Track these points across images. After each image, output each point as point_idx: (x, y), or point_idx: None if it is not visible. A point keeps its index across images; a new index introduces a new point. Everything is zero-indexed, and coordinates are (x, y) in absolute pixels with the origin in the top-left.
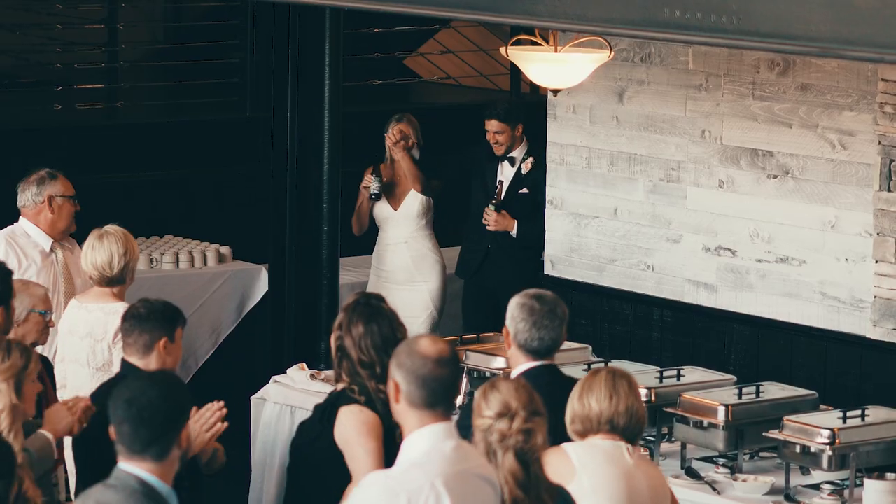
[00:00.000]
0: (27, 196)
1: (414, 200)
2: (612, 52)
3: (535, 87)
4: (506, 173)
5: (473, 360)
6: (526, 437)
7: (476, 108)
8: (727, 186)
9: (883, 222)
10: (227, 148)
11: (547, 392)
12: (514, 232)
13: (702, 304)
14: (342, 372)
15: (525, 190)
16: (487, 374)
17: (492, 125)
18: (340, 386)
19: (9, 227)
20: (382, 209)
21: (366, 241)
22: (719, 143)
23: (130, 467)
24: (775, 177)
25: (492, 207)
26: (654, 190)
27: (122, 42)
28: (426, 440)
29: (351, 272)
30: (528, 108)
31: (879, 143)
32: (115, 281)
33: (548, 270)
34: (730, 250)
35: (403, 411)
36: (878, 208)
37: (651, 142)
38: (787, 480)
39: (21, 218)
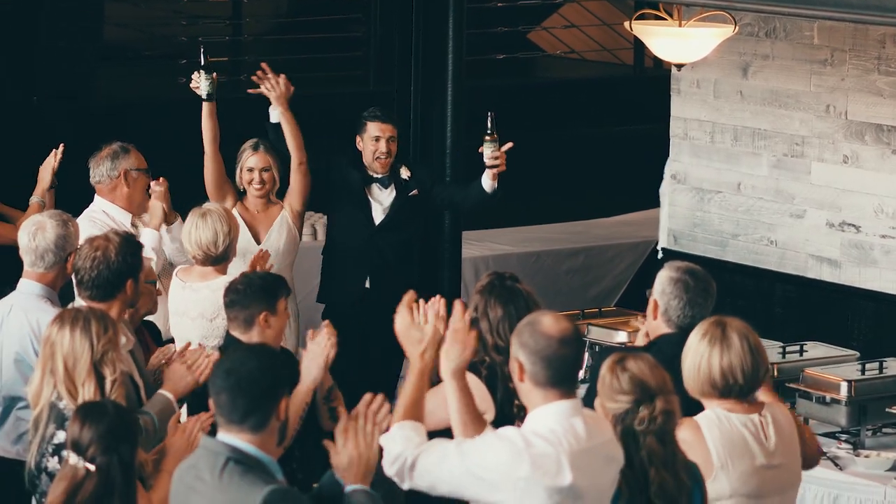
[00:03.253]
0: (102, 171)
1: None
2: (737, 27)
3: (658, 62)
4: (383, 197)
5: (595, 334)
6: (666, 419)
7: (600, 83)
8: (851, 162)
9: None
10: (350, 123)
11: (675, 360)
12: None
13: (825, 279)
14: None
15: (415, 192)
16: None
17: (385, 129)
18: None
19: (87, 209)
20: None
21: (489, 215)
22: (844, 119)
23: (229, 438)
24: None
25: (492, 145)
26: (778, 165)
27: (247, 15)
28: (552, 417)
29: (473, 245)
30: (652, 83)
31: None
32: (220, 259)
33: (670, 245)
34: (854, 226)
35: (528, 390)
36: None
37: (775, 117)
38: None
39: (96, 196)
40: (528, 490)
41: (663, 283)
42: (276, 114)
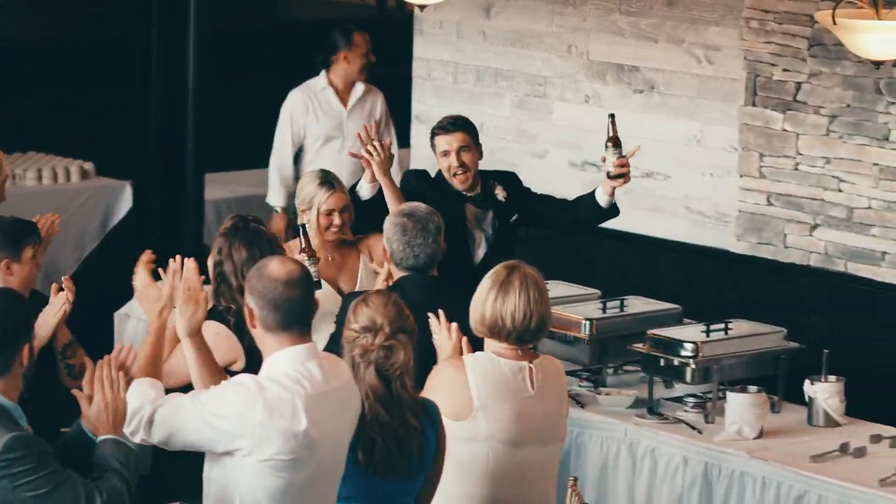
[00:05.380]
0: None
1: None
2: None
3: (400, 3)
4: (478, 220)
5: None
6: (387, 354)
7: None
8: (593, 101)
9: (748, 137)
10: (94, 64)
11: (418, 298)
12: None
13: None
14: (221, 297)
15: (516, 217)
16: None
17: (452, 140)
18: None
19: None
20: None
21: (233, 158)
22: (585, 59)
23: None
24: (641, 92)
25: (616, 151)
26: (521, 105)
27: None
28: (286, 362)
29: (216, 187)
30: (394, 24)
31: (745, 58)
32: None
33: None
34: (596, 165)
35: (261, 336)
36: (742, 123)
37: (517, 57)
38: (651, 394)
39: None
40: (264, 435)
41: (387, 228)
42: (368, 189)
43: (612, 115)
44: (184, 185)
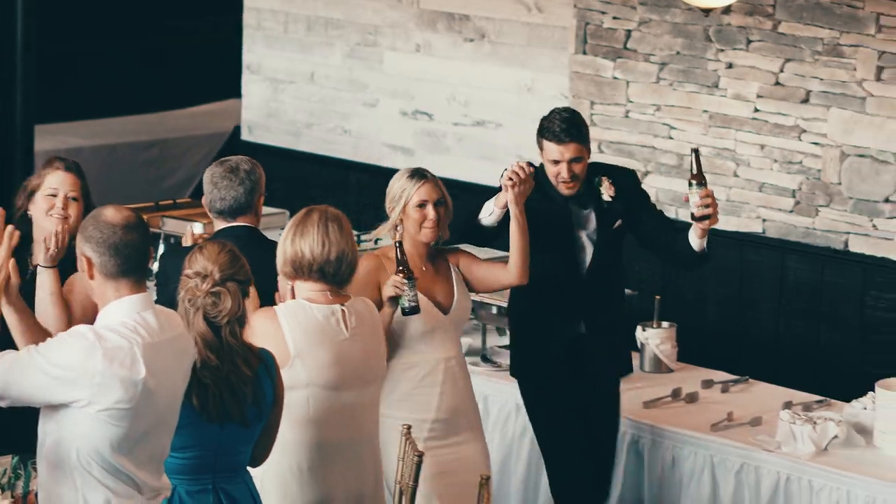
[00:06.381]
0: None
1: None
2: None
3: None
4: (579, 222)
5: (171, 226)
6: (214, 301)
7: None
8: (424, 51)
9: (578, 85)
10: None
11: (245, 251)
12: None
13: (399, 167)
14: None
15: (619, 222)
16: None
17: (566, 151)
18: None
19: None
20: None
21: (63, 107)
22: (416, 7)
23: None
24: (471, 41)
25: (700, 189)
26: (351, 54)
27: None
28: (123, 311)
29: (46, 138)
30: None
31: (575, 6)
32: None
33: (245, 136)
34: (427, 114)
35: (100, 284)
36: (573, 71)
37: (348, 6)
38: (484, 341)
39: None
40: (103, 384)
41: (205, 179)
42: (496, 215)
43: (695, 150)
44: (12, 132)
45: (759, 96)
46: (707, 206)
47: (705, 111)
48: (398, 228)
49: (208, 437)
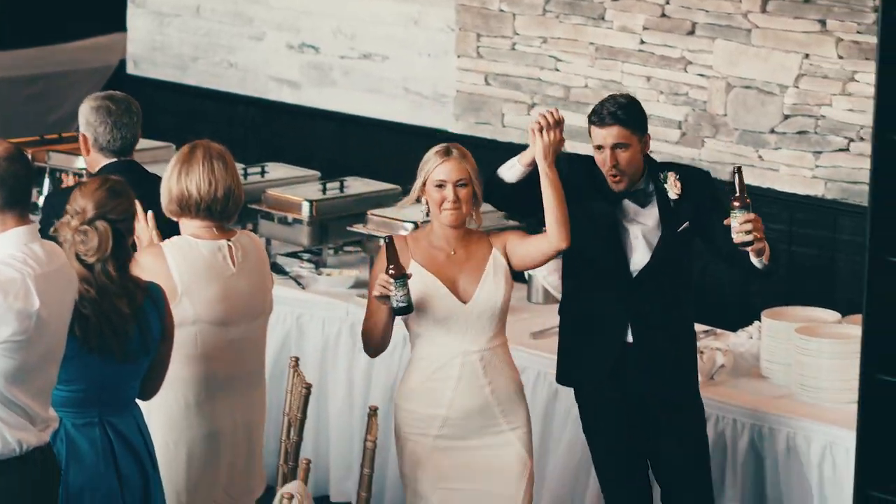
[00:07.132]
0: None
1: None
2: None
3: None
4: (636, 220)
5: (56, 160)
6: (82, 239)
7: None
8: None
9: (465, 17)
10: None
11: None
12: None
13: (286, 101)
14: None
15: (686, 224)
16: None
17: (608, 135)
18: None
19: None
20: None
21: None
22: None
23: None
24: None
25: (741, 214)
26: None
27: None
28: (11, 244)
29: None
30: None
31: None
32: None
33: (130, 70)
34: (313, 47)
35: None
36: (459, 3)
37: None
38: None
39: None
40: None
41: (86, 115)
42: (519, 172)
43: (738, 169)
44: None
45: (645, 28)
46: (749, 231)
47: (591, 43)
48: (422, 202)
49: (92, 371)
